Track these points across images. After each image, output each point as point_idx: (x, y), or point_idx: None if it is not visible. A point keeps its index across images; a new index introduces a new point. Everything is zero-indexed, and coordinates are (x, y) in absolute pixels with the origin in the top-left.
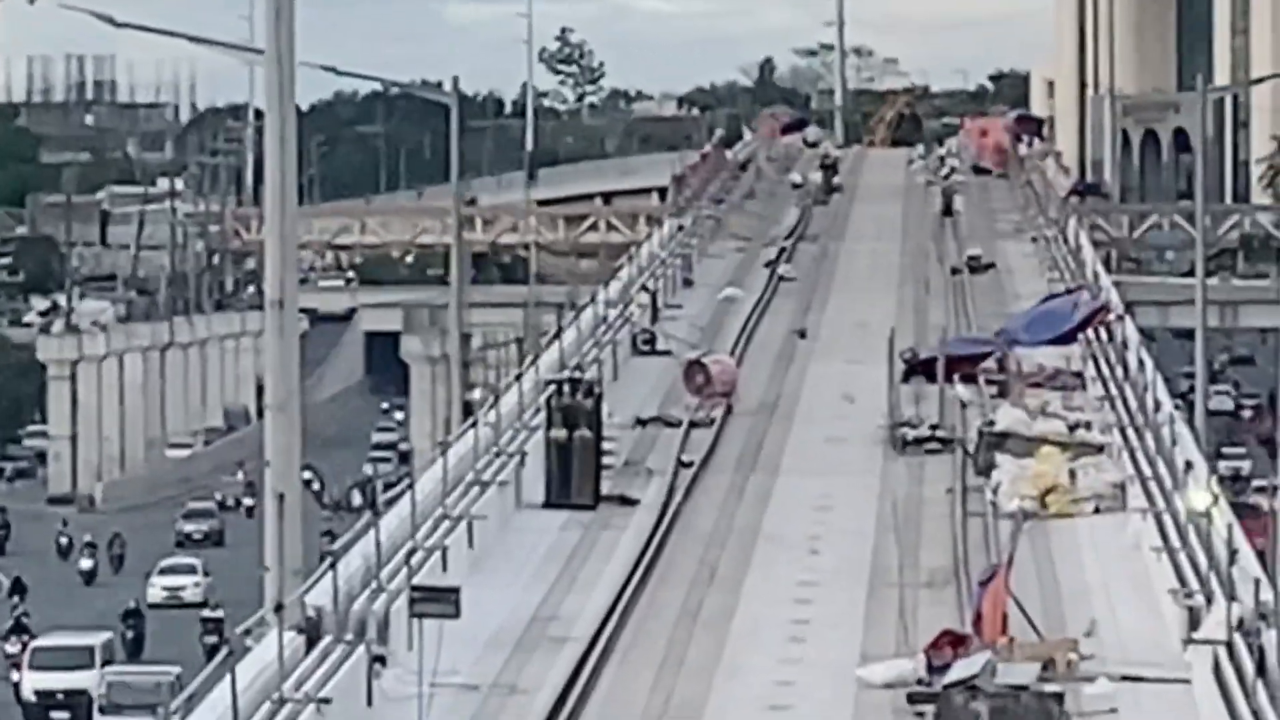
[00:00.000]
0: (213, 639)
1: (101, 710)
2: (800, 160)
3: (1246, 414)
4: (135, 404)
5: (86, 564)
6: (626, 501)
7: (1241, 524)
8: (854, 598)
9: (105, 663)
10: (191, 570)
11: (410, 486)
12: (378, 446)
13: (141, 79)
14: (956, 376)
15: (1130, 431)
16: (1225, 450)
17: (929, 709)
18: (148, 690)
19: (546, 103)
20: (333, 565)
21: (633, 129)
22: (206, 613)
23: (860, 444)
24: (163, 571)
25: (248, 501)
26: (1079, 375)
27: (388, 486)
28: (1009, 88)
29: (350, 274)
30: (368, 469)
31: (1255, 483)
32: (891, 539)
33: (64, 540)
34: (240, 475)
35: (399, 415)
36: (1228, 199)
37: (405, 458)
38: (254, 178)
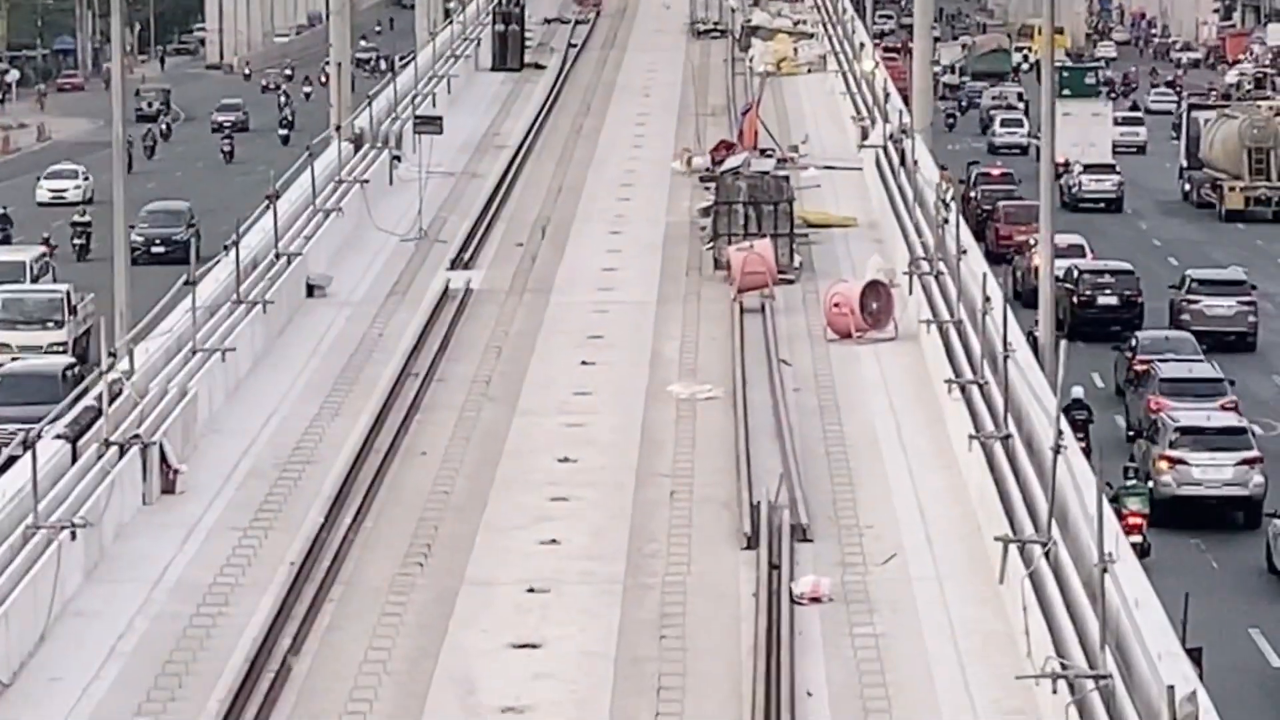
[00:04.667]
0: (80, 241)
1: None
2: None
3: None
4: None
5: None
6: (539, 67)
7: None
8: (669, 122)
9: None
10: (74, 175)
11: (412, 56)
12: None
13: None
14: None
15: (829, 26)
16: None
17: (713, 184)
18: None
19: None
20: (369, 103)
21: None
22: (77, 216)
23: (674, 33)
24: (49, 176)
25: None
26: None
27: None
28: None
29: None
30: None
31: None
32: (691, 89)
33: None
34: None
35: None
36: None
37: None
38: None
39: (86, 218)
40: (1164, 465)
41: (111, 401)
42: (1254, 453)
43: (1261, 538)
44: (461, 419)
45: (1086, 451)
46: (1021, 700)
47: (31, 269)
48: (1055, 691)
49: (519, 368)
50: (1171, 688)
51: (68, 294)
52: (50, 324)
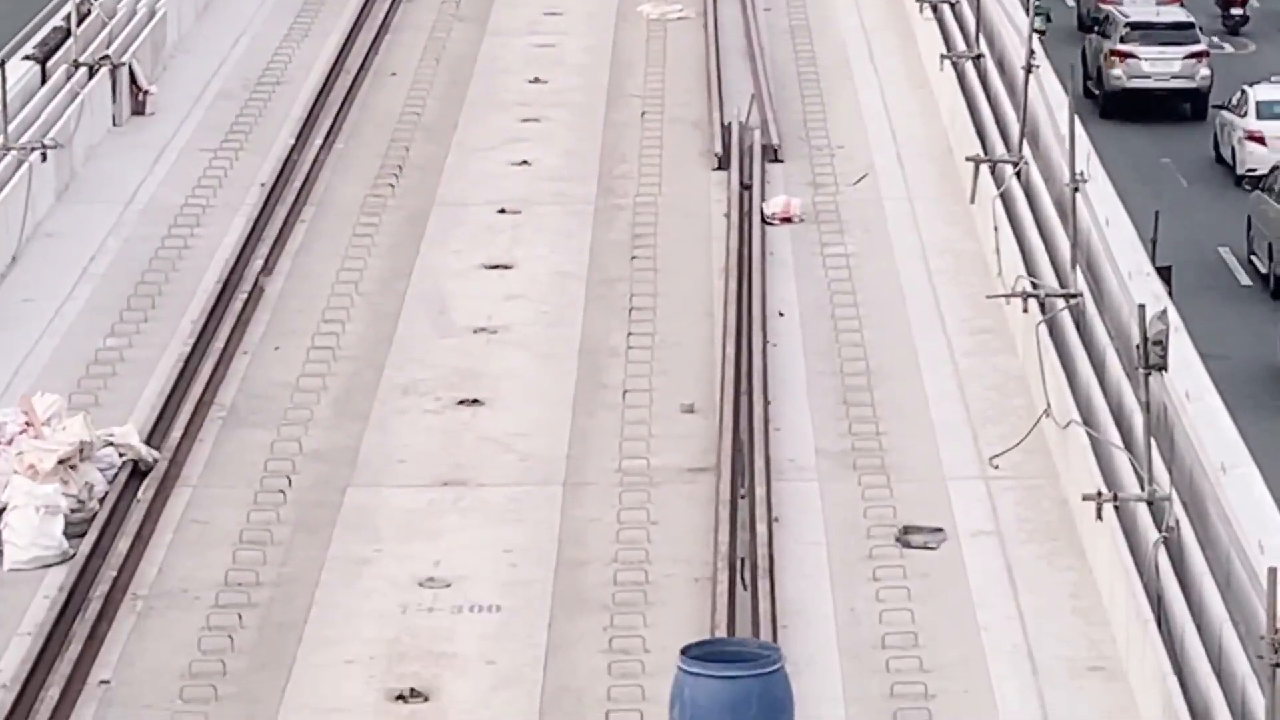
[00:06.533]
0: None
1: None
2: None
3: None
4: None
5: None
6: None
7: None
8: None
9: None
10: None
11: None
12: None
13: None
14: None
15: None
16: None
17: None
18: None
19: None
20: None
21: None
22: None
23: None
24: None
25: None
26: None
27: None
28: None
29: None
30: None
31: None
32: None
33: None
34: None
35: None
36: None
37: None
38: None
39: None
40: (1115, 59)
41: (80, 22)
42: (1201, 46)
43: (1209, 129)
44: (431, 39)
45: None
46: (992, 319)
47: None
48: (1026, 310)
49: None
50: (1142, 306)
51: None
52: None
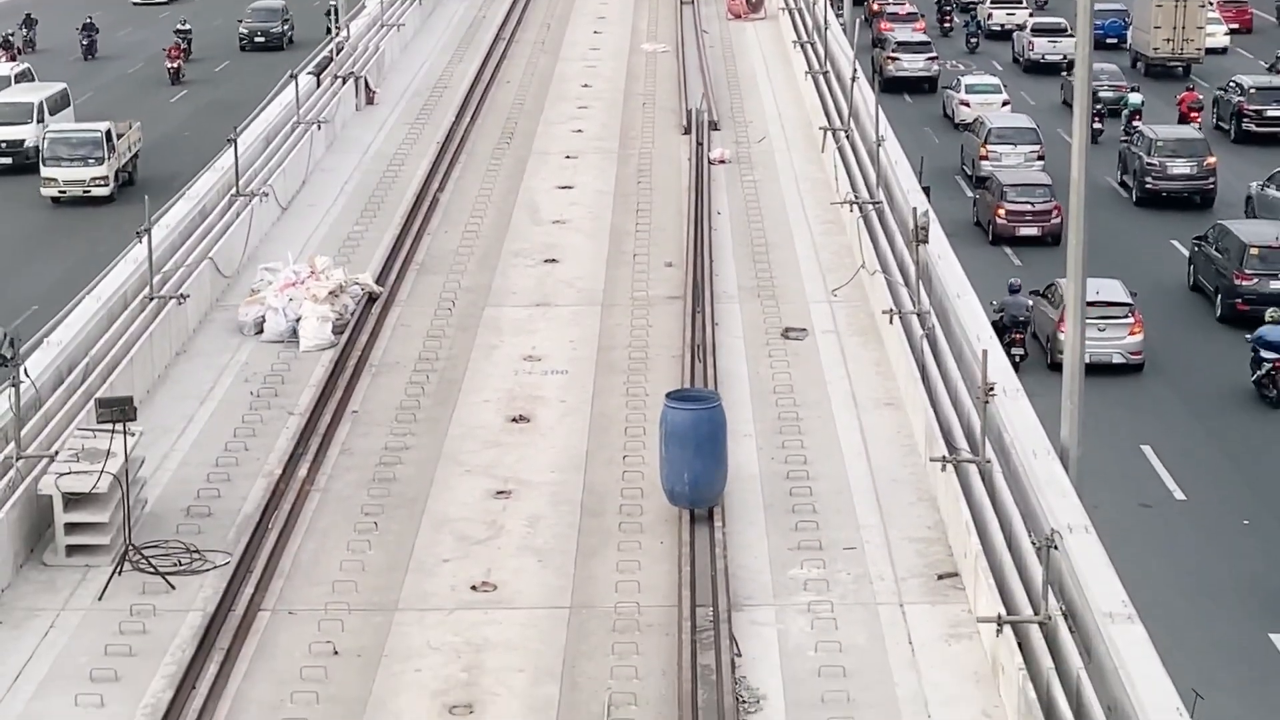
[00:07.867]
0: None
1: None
2: None
3: None
4: None
5: None
6: None
7: None
8: None
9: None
10: None
11: None
12: None
13: None
14: None
15: None
16: None
17: None
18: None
19: None
20: None
21: None
22: (179, 25)
23: None
24: None
25: None
26: None
27: None
28: None
29: None
30: None
31: None
32: None
33: None
34: None
35: None
36: None
37: None
38: None
39: (187, 25)
40: (888, 61)
41: (338, 53)
42: (934, 54)
43: (939, 99)
44: (529, 63)
45: None
46: (833, 216)
47: (43, 107)
48: (852, 210)
49: (559, 35)
50: (915, 207)
51: (108, 132)
52: (92, 160)
